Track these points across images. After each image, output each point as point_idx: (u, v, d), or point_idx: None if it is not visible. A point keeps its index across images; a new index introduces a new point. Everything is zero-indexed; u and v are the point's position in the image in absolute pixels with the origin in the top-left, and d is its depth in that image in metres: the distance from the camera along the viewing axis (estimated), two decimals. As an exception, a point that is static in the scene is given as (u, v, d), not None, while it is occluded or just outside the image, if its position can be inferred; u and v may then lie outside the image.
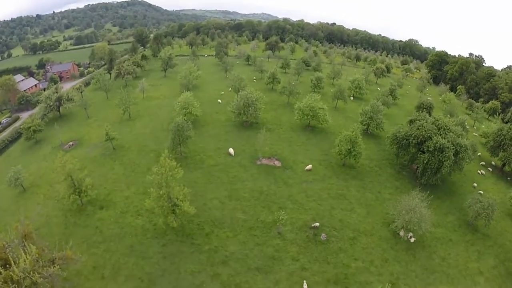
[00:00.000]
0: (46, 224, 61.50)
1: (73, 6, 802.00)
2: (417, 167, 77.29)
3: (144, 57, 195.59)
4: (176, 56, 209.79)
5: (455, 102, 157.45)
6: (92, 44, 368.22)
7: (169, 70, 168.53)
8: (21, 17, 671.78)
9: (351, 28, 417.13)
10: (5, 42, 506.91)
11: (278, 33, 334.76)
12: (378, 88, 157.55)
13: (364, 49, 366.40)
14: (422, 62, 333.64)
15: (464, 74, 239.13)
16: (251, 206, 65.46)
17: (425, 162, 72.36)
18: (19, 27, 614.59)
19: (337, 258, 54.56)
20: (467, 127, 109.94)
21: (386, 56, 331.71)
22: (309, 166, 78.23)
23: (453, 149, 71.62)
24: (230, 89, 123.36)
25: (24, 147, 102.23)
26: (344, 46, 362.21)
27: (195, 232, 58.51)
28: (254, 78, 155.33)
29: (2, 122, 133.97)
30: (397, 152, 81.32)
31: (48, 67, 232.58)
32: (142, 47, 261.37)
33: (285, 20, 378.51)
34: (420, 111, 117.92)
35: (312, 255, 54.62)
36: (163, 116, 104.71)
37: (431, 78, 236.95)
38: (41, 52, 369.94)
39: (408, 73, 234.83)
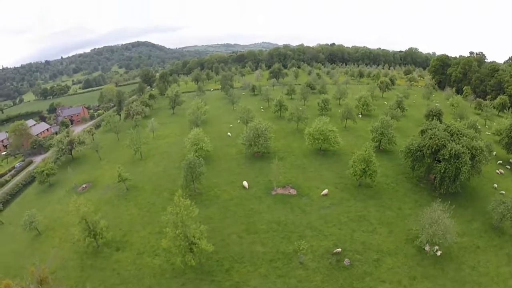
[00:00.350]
0: (62, 267, 62.01)
1: (80, 51, 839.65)
2: (435, 177, 76.49)
3: (151, 96, 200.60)
4: (183, 93, 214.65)
5: (464, 104, 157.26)
6: (100, 87, 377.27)
7: (177, 108, 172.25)
8: (30, 63, 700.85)
9: (350, 46, 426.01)
10: (16, 88, 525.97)
11: (280, 60, 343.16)
12: (385, 102, 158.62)
13: (366, 64, 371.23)
14: (424, 69, 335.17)
15: (468, 73, 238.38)
16: (270, 237, 65.12)
17: (442, 171, 71.72)
18: (29, 73, 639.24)
19: (363, 283, 53.53)
20: (479, 127, 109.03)
21: (389, 69, 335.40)
22: (325, 191, 78.10)
23: (468, 153, 71.11)
24: (238, 121, 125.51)
25: (38, 191, 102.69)
26: (346, 64, 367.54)
27: (214, 269, 58.14)
28: (261, 107, 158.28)
29: (16, 166, 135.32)
30: (413, 165, 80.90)
31: (59, 111, 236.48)
32: (149, 87, 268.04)
33: (286, 46, 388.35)
34: (430, 119, 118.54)
35: (337, 282, 53.75)
36: (175, 154, 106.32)
37: (436, 84, 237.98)
38: (51, 96, 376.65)
39: (413, 82, 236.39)
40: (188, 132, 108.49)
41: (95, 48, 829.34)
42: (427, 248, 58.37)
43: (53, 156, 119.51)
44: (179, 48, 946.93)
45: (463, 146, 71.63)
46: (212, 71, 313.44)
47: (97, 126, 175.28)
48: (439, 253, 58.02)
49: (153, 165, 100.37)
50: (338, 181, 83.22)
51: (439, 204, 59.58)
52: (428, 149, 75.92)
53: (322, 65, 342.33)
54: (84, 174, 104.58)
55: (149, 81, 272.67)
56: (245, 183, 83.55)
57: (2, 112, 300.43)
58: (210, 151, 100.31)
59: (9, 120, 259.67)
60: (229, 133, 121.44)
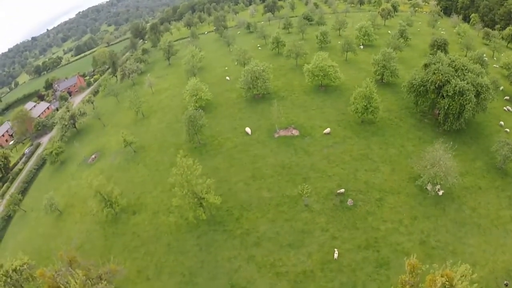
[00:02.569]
0: (88, 239, 65.02)
1: (65, 19, 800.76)
2: (439, 112, 74.40)
3: (144, 51, 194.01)
4: (176, 41, 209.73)
5: (471, 34, 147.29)
6: (93, 49, 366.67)
7: (173, 58, 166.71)
8: (17, 44, 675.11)
9: None
10: (9, 73, 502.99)
11: None
12: (389, 31, 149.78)
13: None
14: None
15: (476, 0, 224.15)
16: (275, 182, 65.88)
17: (446, 107, 69.47)
18: (18, 54, 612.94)
19: (366, 223, 54.68)
20: (486, 59, 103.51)
21: None
22: (327, 130, 77.23)
23: (473, 90, 67.96)
24: (236, 63, 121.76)
25: (51, 171, 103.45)
26: None
27: (225, 219, 60.21)
28: (258, 45, 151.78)
29: (25, 152, 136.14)
30: (416, 100, 78.24)
31: (56, 85, 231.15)
32: (142, 41, 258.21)
33: None
34: (435, 50, 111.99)
35: (341, 223, 54.99)
36: (176, 107, 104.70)
37: (441, 11, 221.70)
38: (45, 72, 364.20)
39: (417, 9, 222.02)
40: (186, 83, 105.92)
41: (79, 12, 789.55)
42: (429, 187, 58.56)
43: (59, 133, 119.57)
44: None
45: (467, 83, 68.23)
46: (204, 12, 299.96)
47: (96, 93, 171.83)
48: (440, 192, 58.38)
49: (157, 122, 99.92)
50: (340, 118, 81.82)
51: (441, 144, 58.59)
52: (431, 85, 72.67)
53: None
54: (92, 144, 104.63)
55: (141, 35, 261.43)
56: (247, 129, 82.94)
57: (1, 101, 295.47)
58: (210, 99, 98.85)
59: (8, 107, 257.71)
60: (227, 77, 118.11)
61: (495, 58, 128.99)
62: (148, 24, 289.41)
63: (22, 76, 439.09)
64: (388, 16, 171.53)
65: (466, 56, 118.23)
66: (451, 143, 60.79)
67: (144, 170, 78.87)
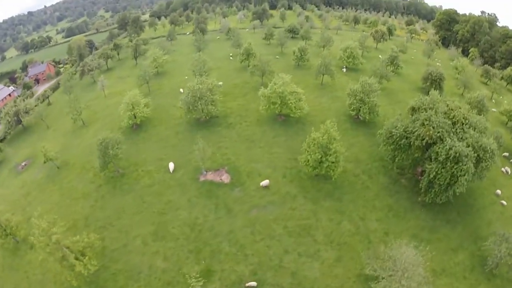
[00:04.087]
0: None
1: None
2: (422, 174, 54.72)
3: (116, 46, 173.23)
4: (157, 38, 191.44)
5: (469, 70, 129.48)
6: (84, 34, 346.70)
7: (142, 58, 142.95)
8: (12, 17, 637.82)
9: None
10: None
11: (272, 1, 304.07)
12: (380, 56, 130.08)
13: (365, 10, 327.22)
14: (428, 22, 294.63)
15: (476, 35, 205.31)
16: (177, 249, 47.56)
17: (432, 175, 49.58)
18: (12, 27, 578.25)
19: None
20: (487, 106, 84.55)
21: (389, 17, 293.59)
22: (266, 182, 57.30)
23: (474, 155, 48.59)
24: (186, 77, 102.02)
25: None
26: (343, 8, 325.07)
27: (108, 284, 45.89)
28: (231, 55, 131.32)
29: None
30: (393, 155, 57.60)
31: (29, 69, 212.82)
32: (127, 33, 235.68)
33: None
34: (428, 85, 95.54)
35: None
36: (119, 117, 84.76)
37: (439, 40, 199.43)
38: (33, 50, 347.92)
39: (414, 35, 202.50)
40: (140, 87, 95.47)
41: None
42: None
43: (3, 130, 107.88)
44: None
45: (468, 145, 49.04)
46: (193, 12, 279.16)
47: (57, 87, 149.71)
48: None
49: (92, 134, 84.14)
50: (290, 165, 61.87)
51: (413, 247, 39.25)
52: (417, 139, 52.84)
53: (317, 7, 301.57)
54: (29, 147, 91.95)
55: (126, 27, 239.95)
56: (171, 165, 65.24)
57: None
58: (148, 116, 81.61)
59: None
60: (181, 89, 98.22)
61: (493, 101, 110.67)
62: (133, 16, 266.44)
63: (10, 51, 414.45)
64: (381, 39, 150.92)
65: (462, 94, 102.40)
66: (430, 222, 44.96)
67: (56, 196, 65.26)
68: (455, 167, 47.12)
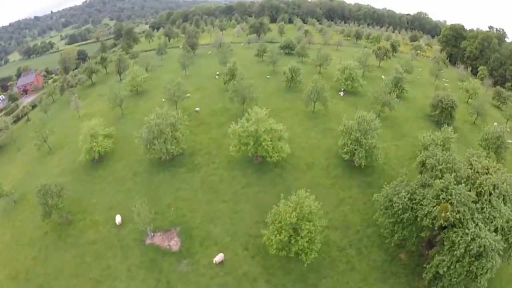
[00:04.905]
0: None
1: (71, 4, 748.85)
2: (430, 244, 39.35)
3: (103, 60, 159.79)
4: (148, 51, 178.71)
5: (482, 93, 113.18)
6: (85, 42, 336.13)
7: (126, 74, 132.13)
8: (19, 20, 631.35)
9: (353, 3, 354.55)
10: (3, 48, 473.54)
11: (272, 13, 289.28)
12: (383, 76, 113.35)
13: (368, 25, 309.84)
14: (433, 37, 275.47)
15: (485, 51, 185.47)
16: None
17: (443, 269, 34.00)
18: (18, 31, 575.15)
19: None
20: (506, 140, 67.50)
21: (393, 32, 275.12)
22: (220, 257, 43.54)
23: (503, 243, 32.96)
24: (163, 99, 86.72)
25: None
26: (345, 23, 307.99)
27: None
28: (218, 73, 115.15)
29: None
30: (392, 230, 41.61)
31: (20, 78, 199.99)
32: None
33: None
34: (438, 112, 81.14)
35: None
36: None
37: (446, 58, 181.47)
38: (35, 55, 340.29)
39: (419, 52, 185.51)
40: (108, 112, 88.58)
41: (86, 0, 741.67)
42: None
43: None
44: None
45: (496, 229, 33.62)
46: (191, 24, 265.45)
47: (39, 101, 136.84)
48: None
49: (55, 163, 76.78)
50: (255, 231, 46.96)
51: None
52: (427, 218, 37.09)
53: (318, 21, 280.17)
54: None
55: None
56: (118, 218, 54.16)
57: None
58: (108, 150, 70.22)
59: None
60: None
61: (508, 130, 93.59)
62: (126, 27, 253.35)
63: (14, 54, 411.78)
64: (385, 57, 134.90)
65: (475, 122, 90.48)
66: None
67: (7, 236, 58.74)
68: (475, 263, 32.08)
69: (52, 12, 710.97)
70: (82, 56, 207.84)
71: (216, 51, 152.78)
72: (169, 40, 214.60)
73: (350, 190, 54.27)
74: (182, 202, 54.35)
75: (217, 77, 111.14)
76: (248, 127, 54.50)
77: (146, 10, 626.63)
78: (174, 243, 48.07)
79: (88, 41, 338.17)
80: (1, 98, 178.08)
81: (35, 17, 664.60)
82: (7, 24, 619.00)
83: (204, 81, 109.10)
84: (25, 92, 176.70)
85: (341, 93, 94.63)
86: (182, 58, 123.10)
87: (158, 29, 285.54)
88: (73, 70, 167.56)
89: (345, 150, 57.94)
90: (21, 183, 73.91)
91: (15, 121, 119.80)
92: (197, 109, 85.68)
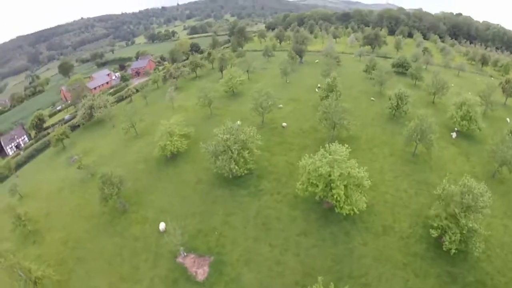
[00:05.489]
0: None
1: None
2: None
3: (209, 55, 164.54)
4: (257, 51, 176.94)
5: None
6: (204, 34, 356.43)
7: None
8: (147, 9, 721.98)
9: (481, 21, 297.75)
10: (132, 31, 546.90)
11: (390, 24, 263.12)
12: (508, 119, 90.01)
13: (497, 49, 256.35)
14: None
15: None
16: None
17: None
18: (146, 17, 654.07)
19: None
20: None
21: None
22: None
23: None
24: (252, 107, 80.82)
25: (52, 153, 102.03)
26: (471, 43, 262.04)
27: None
28: (319, 85, 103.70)
29: (65, 118, 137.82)
30: None
31: (136, 61, 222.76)
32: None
33: (400, 9, 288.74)
34: None
35: None
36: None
37: None
38: (157, 41, 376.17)
39: None
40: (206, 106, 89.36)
41: None
42: None
43: (79, 119, 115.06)
44: (296, 0, 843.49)
45: None
46: (305, 28, 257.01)
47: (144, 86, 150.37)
48: None
49: (136, 149, 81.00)
50: None
51: None
52: None
53: (441, 38, 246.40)
54: (90, 142, 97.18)
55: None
56: (162, 226, 53.48)
57: (113, 53, 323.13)
58: (181, 150, 70.18)
59: (106, 63, 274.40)
60: (238, 122, 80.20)
61: None
62: (238, 25, 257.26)
63: (140, 38, 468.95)
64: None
65: None
66: None
67: (72, 204, 66.29)
68: None
69: (178, 4, 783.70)
70: (194, 49, 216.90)
71: (324, 60, 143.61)
72: (280, 43, 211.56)
73: (425, 281, 41.05)
74: (228, 230, 49.93)
75: (317, 90, 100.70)
76: (321, 167, 45.43)
77: (266, 10, 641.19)
78: (201, 272, 44.79)
79: (207, 34, 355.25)
80: (116, 76, 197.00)
81: (163, 7, 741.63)
82: (137, 11, 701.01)
83: (302, 92, 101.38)
84: (137, 74, 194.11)
85: (453, 135, 76.69)
86: (284, 64, 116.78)
87: (273, 29, 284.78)
88: (183, 61, 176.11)
89: (435, 224, 44.03)
90: (103, 160, 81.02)
91: (119, 101, 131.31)
92: (284, 124, 79.12)
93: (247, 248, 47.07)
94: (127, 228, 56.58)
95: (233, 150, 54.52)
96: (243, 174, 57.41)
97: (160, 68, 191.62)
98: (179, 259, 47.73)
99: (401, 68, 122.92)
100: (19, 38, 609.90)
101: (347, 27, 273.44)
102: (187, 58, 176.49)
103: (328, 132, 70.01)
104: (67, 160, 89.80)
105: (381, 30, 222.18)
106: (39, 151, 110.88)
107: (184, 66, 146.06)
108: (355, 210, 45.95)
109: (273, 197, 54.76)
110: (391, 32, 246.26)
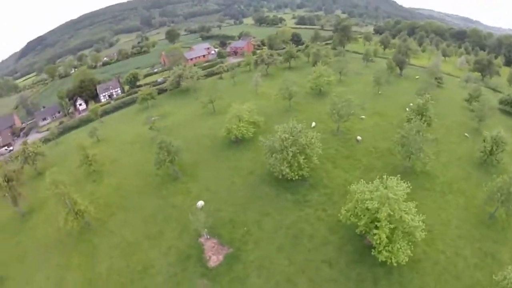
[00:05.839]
0: None
1: None
2: None
3: (306, 48, 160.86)
4: (355, 53, 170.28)
5: None
6: (309, 27, 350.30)
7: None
8: None
9: None
10: (241, 11, 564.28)
11: (509, 53, 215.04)
12: None
13: None
14: None
15: None
16: None
17: None
18: (257, 1, 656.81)
19: None
20: None
21: None
22: None
23: None
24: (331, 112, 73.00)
25: (137, 109, 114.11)
26: None
27: None
28: (411, 104, 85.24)
29: (158, 80, 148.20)
30: None
31: (238, 40, 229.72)
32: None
33: None
34: None
35: None
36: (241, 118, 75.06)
37: None
38: (265, 25, 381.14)
39: None
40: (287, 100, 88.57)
41: None
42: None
43: (167, 84, 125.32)
44: (412, 7, 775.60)
45: None
46: (414, 39, 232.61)
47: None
48: None
49: (209, 125, 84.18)
50: None
51: None
52: None
53: None
54: (170, 107, 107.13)
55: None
56: (200, 204, 55.47)
57: (220, 29, 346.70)
58: (247, 137, 70.72)
59: (210, 37, 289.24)
60: (313, 123, 76.90)
61: None
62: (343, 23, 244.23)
63: (248, 19, 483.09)
64: None
65: None
66: None
67: (140, 155, 78.75)
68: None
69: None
70: (295, 38, 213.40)
71: (424, 77, 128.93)
72: (384, 49, 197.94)
73: None
74: (257, 229, 48.51)
75: (407, 109, 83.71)
76: (369, 200, 39.51)
77: (379, 12, 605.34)
78: (214, 259, 45.49)
79: (312, 27, 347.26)
80: (214, 52, 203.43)
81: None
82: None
83: (391, 107, 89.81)
84: (235, 54, 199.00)
85: None
86: (379, 73, 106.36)
87: (381, 34, 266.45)
88: (280, 49, 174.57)
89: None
90: (175, 126, 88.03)
91: (209, 75, 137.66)
92: (359, 138, 71.63)
93: (266, 254, 45.15)
94: (171, 195, 60.05)
95: (289, 152, 50.98)
96: (294, 178, 53.58)
97: (258, 52, 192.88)
98: (201, 239, 49.20)
99: (510, 107, 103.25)
100: (135, 0, 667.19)
101: (460, 47, 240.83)
102: (284, 48, 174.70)
103: (403, 160, 60.12)
104: (146, 119, 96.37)
105: (496, 57, 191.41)
106: (126, 104, 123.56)
107: (279, 54, 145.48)
108: (393, 260, 38.99)
109: (317, 213, 50.43)
110: (508, 63, 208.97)
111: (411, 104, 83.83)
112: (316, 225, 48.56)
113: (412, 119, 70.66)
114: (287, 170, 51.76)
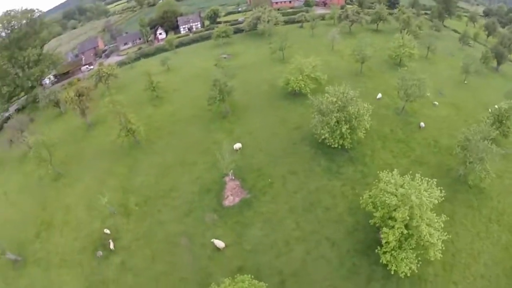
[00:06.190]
0: None
1: None
2: None
3: (398, 12, 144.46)
4: (449, 29, 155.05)
5: None
6: None
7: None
8: None
9: None
10: None
11: None
12: None
13: None
14: None
15: None
16: None
17: None
18: None
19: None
20: None
21: None
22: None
23: None
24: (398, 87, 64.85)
25: (211, 44, 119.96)
26: None
27: None
28: (496, 106, 67.36)
29: (239, 19, 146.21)
30: None
31: None
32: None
33: None
34: None
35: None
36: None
37: None
38: None
39: None
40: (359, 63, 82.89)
41: None
42: None
43: (244, 25, 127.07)
44: None
45: None
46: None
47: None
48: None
49: (272, 72, 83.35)
50: None
51: None
52: None
53: None
54: (242, 47, 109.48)
55: None
56: (237, 145, 57.03)
57: None
58: (304, 92, 66.51)
59: None
60: (379, 95, 71.04)
61: None
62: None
63: None
64: None
65: None
66: None
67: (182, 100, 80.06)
68: None
69: None
70: (392, 0, 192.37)
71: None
72: (487, 36, 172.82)
73: None
74: (279, 185, 49.34)
75: (490, 111, 66.60)
76: (388, 194, 35.72)
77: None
78: (230, 200, 47.34)
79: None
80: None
81: None
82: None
83: (471, 102, 76.21)
84: (324, 4, 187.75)
85: None
86: (469, 60, 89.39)
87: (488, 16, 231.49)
88: (370, 8, 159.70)
89: None
90: (242, 66, 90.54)
91: (288, 22, 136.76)
92: (422, 124, 62.11)
93: (278, 211, 45.43)
94: (215, 131, 63.48)
95: (332, 117, 47.85)
96: (333, 146, 50.79)
97: (349, 7, 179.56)
98: (226, 178, 50.99)
99: None
100: None
101: None
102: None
103: (459, 165, 50.23)
104: (217, 55, 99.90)
105: None
106: (203, 38, 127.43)
107: (367, 14, 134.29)
108: (392, 268, 35.48)
109: (343, 188, 47.68)
110: None
111: (496, 107, 67.17)
112: (337, 199, 46.30)
113: (493, 124, 58.60)
114: (327, 135, 49.17)
